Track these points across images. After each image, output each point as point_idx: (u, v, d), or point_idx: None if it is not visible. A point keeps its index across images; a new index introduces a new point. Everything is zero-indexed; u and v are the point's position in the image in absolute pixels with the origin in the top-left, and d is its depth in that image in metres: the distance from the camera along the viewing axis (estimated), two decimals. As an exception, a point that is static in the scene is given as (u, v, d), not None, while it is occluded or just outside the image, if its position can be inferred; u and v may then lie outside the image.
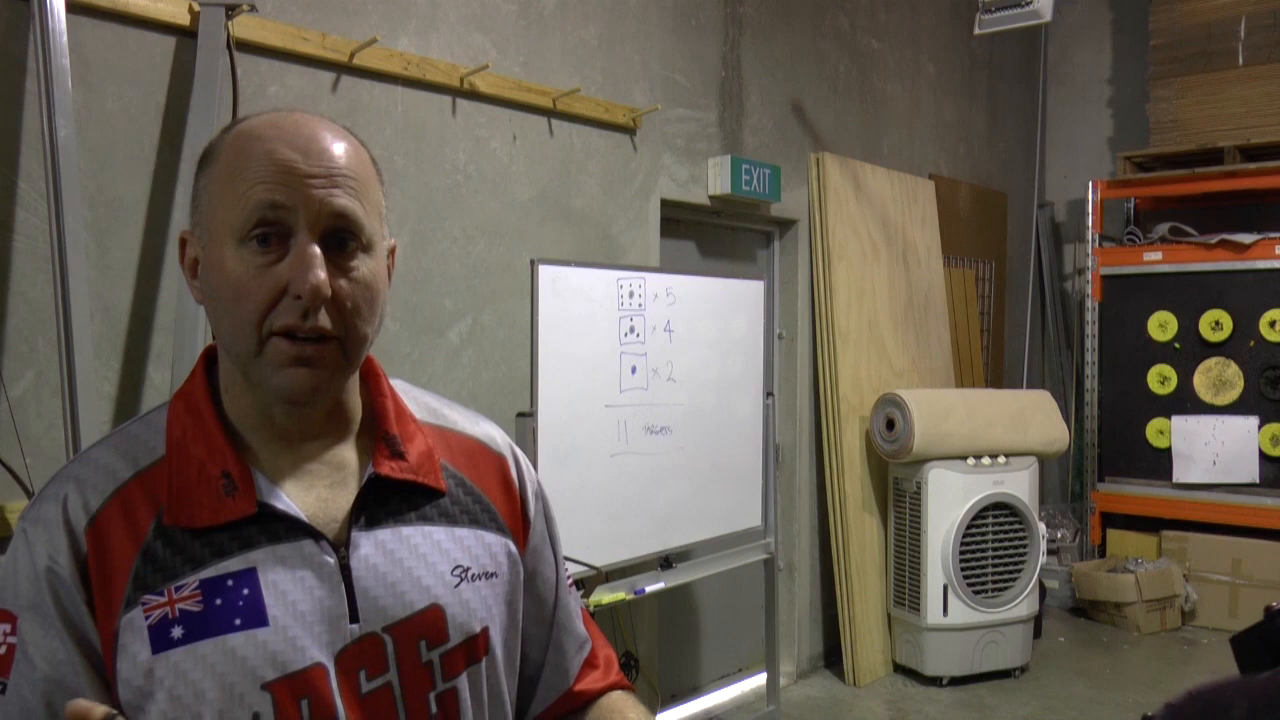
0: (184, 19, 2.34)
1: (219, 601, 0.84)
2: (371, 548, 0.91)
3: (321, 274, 0.84)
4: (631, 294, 3.04)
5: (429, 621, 0.92)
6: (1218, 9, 5.41)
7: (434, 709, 0.92)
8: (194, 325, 2.20)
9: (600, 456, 2.97)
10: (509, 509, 1.03)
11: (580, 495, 2.89)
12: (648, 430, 3.11)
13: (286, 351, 0.85)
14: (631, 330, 3.04)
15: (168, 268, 2.34)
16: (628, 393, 3.04)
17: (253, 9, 2.39)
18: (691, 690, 4.04)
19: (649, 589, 3.15)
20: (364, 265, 0.88)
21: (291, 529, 0.88)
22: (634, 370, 3.06)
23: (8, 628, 0.83)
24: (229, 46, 2.34)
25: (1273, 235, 5.10)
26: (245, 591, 0.85)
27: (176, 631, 0.83)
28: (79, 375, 2.00)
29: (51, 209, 2.01)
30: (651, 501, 3.13)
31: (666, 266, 3.66)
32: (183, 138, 2.34)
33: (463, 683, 0.94)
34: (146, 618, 0.83)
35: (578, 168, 3.36)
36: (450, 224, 2.98)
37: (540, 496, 1.08)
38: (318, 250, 0.85)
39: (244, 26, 2.41)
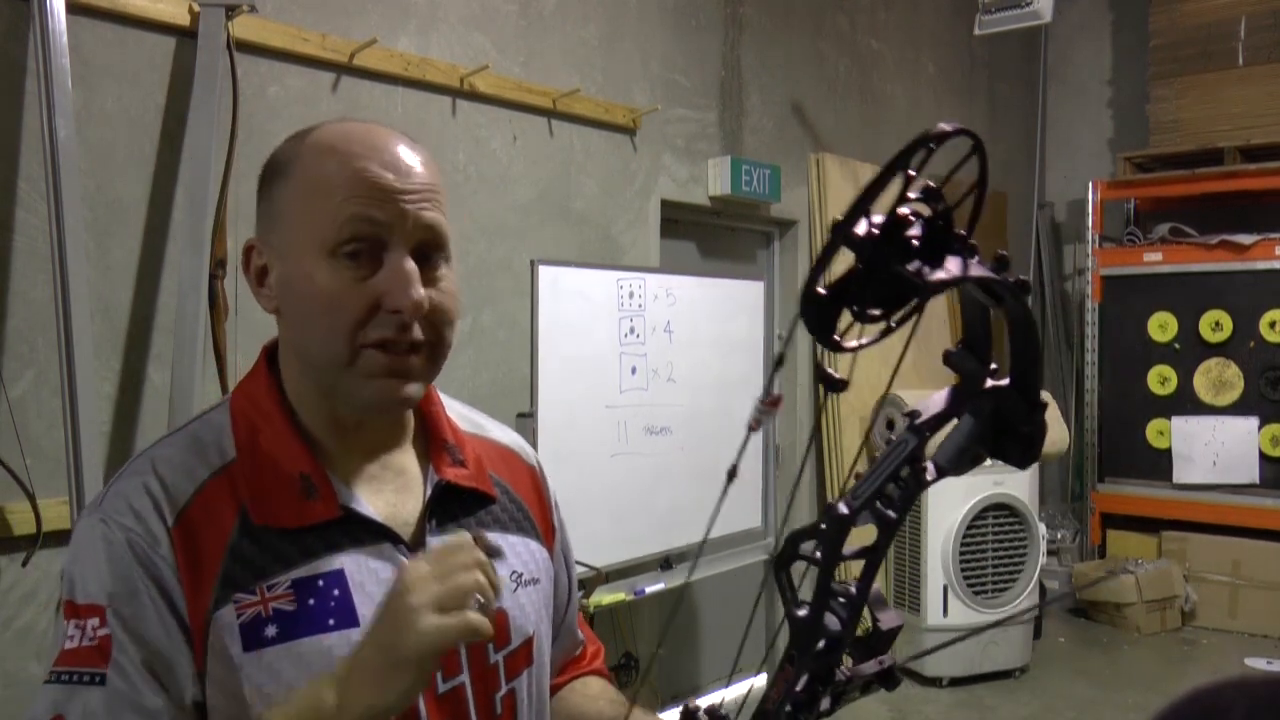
0: (184, 19, 2.34)
1: (312, 601, 0.86)
2: None
3: (421, 290, 0.86)
4: (631, 294, 3.04)
5: (495, 624, 0.95)
6: (1218, 9, 5.41)
7: (499, 709, 0.95)
8: (194, 325, 2.20)
9: (600, 457, 2.97)
10: (542, 517, 1.07)
11: (580, 496, 2.88)
12: (648, 431, 3.11)
13: (381, 363, 0.87)
14: (631, 331, 3.04)
15: (168, 268, 2.34)
16: (628, 393, 3.04)
17: (253, 9, 2.39)
18: (691, 690, 4.04)
19: (649, 589, 3.16)
20: (447, 277, 0.91)
21: (372, 532, 0.90)
22: (634, 371, 3.06)
23: (96, 621, 0.82)
24: (229, 47, 2.33)
25: (1273, 235, 5.10)
26: (336, 592, 0.87)
27: (270, 630, 0.83)
28: (79, 375, 2.00)
29: (51, 209, 2.01)
30: (651, 502, 3.13)
31: (666, 267, 3.65)
32: (183, 138, 2.33)
33: (521, 684, 0.98)
34: (239, 616, 0.83)
35: (578, 168, 3.36)
36: (450, 224, 2.97)
37: (558, 505, 1.13)
38: (414, 265, 0.87)
39: (244, 27, 2.41)
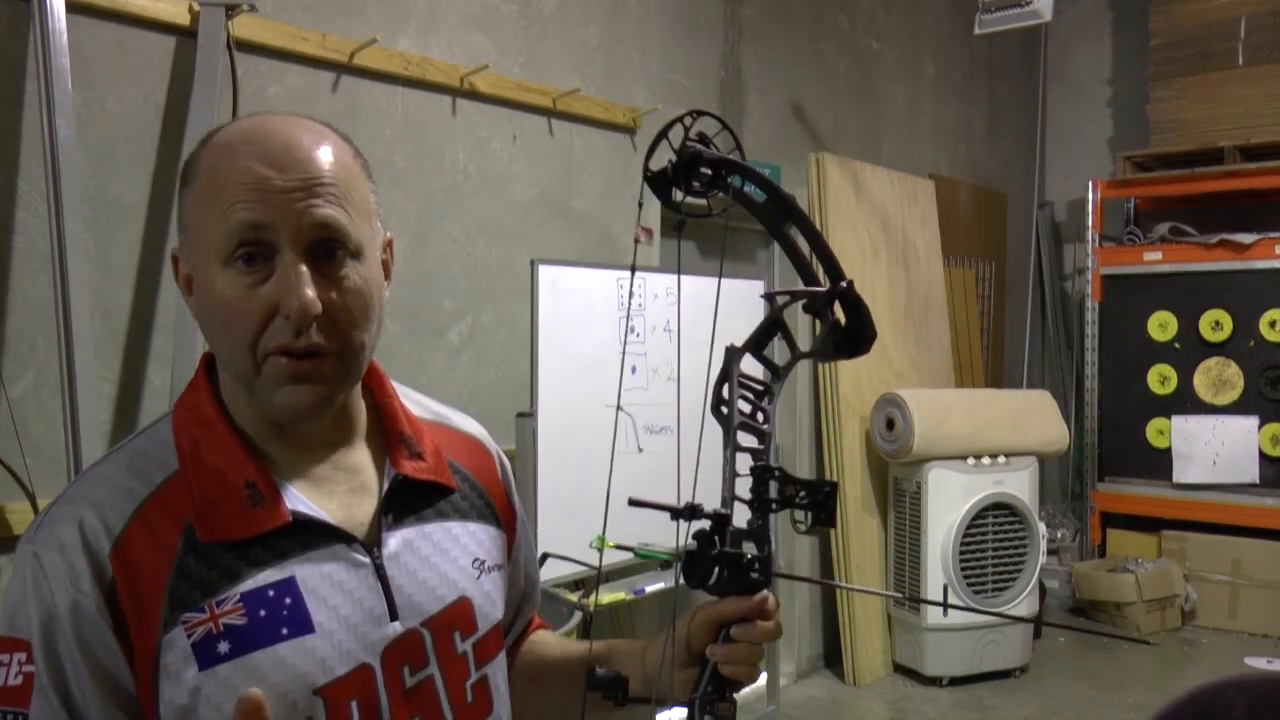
0: (184, 19, 2.34)
1: (263, 613, 0.84)
2: (400, 546, 0.93)
3: (310, 292, 0.82)
4: (631, 294, 3.04)
5: (460, 613, 0.95)
6: (1218, 9, 5.41)
7: (470, 697, 0.95)
8: (194, 325, 2.20)
9: (600, 457, 2.96)
10: (502, 504, 1.07)
11: (580, 495, 2.89)
12: (648, 430, 3.11)
13: (284, 369, 0.84)
14: (631, 330, 3.04)
15: (168, 268, 2.34)
16: (628, 393, 3.04)
17: (253, 9, 2.39)
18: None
19: (649, 589, 3.16)
20: (355, 273, 0.86)
21: (323, 535, 0.88)
22: (634, 370, 3.06)
23: (23, 656, 0.80)
24: (229, 46, 2.34)
25: (1273, 235, 5.10)
26: (288, 600, 0.85)
27: (223, 646, 0.82)
28: (79, 375, 2.00)
29: (51, 209, 2.01)
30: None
31: (666, 267, 3.66)
32: (183, 138, 2.33)
33: (492, 669, 0.98)
34: (189, 636, 0.82)
35: (578, 168, 3.36)
36: (450, 224, 2.98)
37: (516, 488, 1.13)
38: (303, 268, 0.83)
39: (244, 26, 2.41)
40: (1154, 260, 5.43)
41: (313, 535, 0.88)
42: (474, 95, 3.01)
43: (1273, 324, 5.07)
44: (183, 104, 2.34)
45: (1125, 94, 6.27)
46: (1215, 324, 5.22)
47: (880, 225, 4.63)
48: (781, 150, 4.24)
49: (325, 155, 0.86)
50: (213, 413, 0.90)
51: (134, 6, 2.26)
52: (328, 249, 0.85)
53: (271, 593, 0.85)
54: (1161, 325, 5.40)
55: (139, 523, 0.84)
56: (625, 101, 3.50)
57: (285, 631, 0.84)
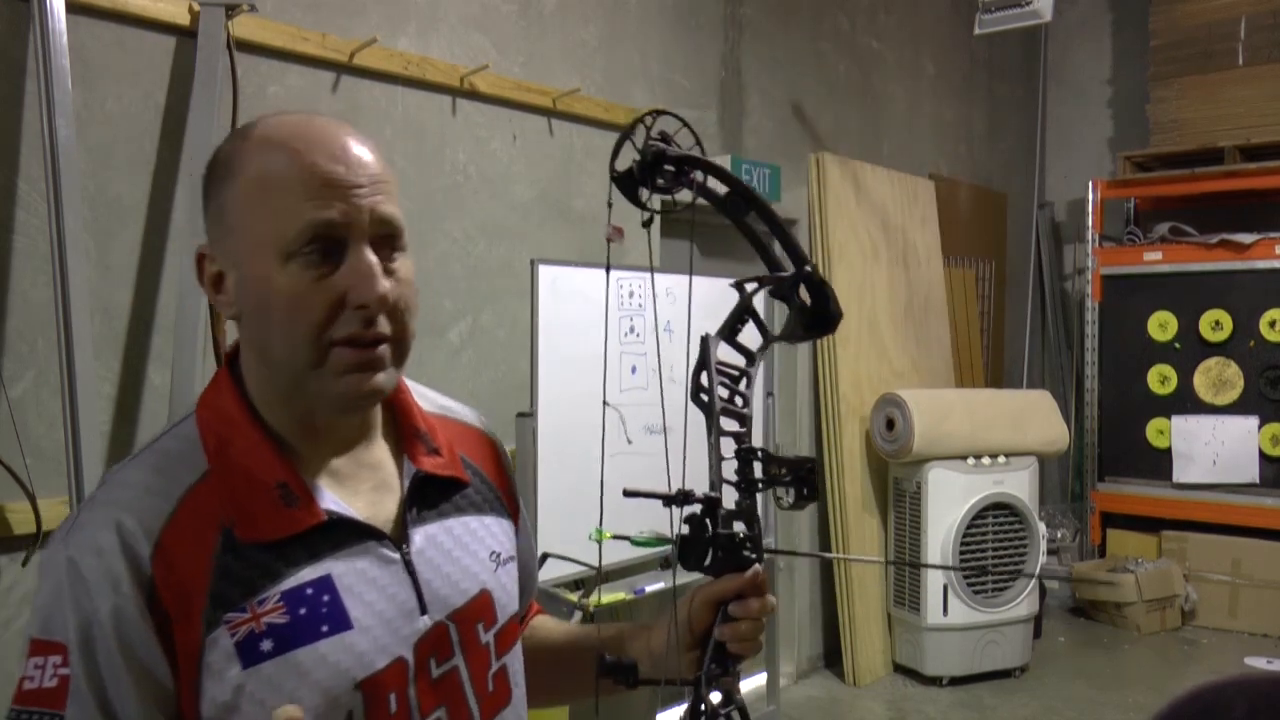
0: (184, 19, 2.33)
1: (303, 611, 0.85)
2: (425, 542, 0.95)
3: (386, 283, 0.86)
4: (631, 294, 3.04)
5: (482, 605, 0.98)
6: (1218, 9, 5.42)
7: (491, 686, 0.98)
8: (194, 325, 2.21)
9: (600, 456, 2.96)
10: (507, 493, 1.10)
11: (581, 495, 2.89)
12: (648, 430, 3.11)
13: (351, 359, 0.86)
14: (631, 330, 3.04)
15: (168, 268, 2.34)
16: (628, 392, 3.04)
17: (253, 9, 2.39)
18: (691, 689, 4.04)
19: (649, 589, 3.16)
20: (404, 266, 0.90)
21: (354, 533, 0.90)
22: (634, 370, 3.06)
23: (59, 659, 0.81)
24: (229, 46, 2.33)
25: (1273, 235, 5.11)
26: (325, 598, 0.87)
27: (266, 645, 0.83)
28: (79, 375, 2.00)
29: (51, 209, 2.01)
30: (651, 501, 3.12)
31: (666, 267, 3.66)
32: (183, 138, 2.33)
33: (510, 658, 1.01)
34: (232, 635, 0.83)
35: (578, 168, 3.36)
36: (450, 224, 2.98)
37: (515, 476, 1.17)
38: (375, 259, 0.86)
39: (244, 26, 2.41)
40: (1154, 260, 5.44)
41: (345, 533, 0.90)
42: (474, 95, 3.01)
43: (1273, 324, 5.08)
44: (183, 104, 2.34)
45: (1125, 94, 6.27)
46: (1215, 324, 5.22)
47: (880, 225, 4.63)
48: (781, 150, 4.24)
49: (375, 155, 0.90)
50: (238, 411, 0.91)
51: (134, 6, 2.26)
52: (386, 243, 0.89)
53: (310, 591, 0.86)
54: (1161, 325, 5.40)
55: (176, 524, 0.85)
56: (625, 101, 3.50)
57: (325, 629, 0.86)
